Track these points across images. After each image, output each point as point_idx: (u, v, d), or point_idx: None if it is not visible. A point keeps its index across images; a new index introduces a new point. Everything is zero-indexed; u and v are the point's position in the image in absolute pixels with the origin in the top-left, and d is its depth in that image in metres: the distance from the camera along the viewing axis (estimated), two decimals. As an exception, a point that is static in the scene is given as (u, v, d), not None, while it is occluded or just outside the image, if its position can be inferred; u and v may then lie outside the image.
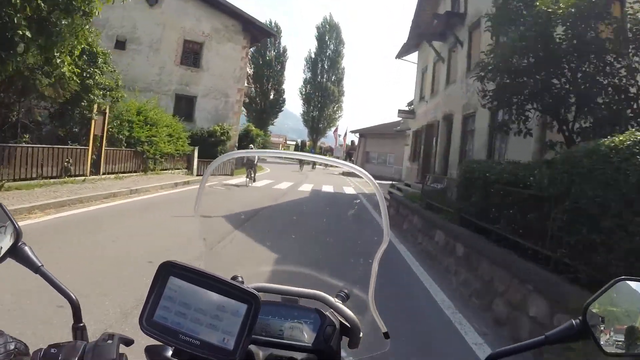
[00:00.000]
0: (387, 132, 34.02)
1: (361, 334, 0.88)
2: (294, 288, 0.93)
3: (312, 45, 63.06)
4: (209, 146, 18.31)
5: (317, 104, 52.39)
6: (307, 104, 52.79)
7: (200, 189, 0.87)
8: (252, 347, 0.77)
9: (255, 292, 0.60)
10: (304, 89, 53.06)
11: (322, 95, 51.83)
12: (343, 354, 0.86)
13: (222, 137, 18.58)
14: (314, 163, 43.37)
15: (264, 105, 50.51)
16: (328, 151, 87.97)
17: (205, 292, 0.60)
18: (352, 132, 37.24)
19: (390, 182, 22.28)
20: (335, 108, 53.28)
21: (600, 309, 0.70)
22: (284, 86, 51.53)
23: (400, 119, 36.98)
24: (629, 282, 0.71)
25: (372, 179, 0.83)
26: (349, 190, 18.60)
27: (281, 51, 51.27)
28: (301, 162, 30.81)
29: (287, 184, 17.89)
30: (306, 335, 0.82)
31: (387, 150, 34.04)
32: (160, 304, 0.60)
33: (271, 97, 51.10)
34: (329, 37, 52.66)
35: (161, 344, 0.62)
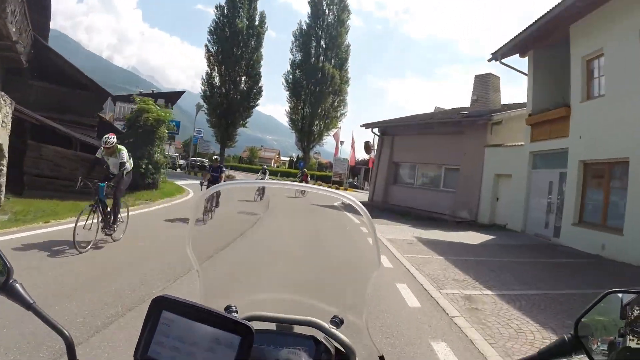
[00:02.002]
0: (443, 121, 17.26)
1: (357, 359, 0.86)
2: (289, 316, 0.94)
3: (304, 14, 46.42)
4: None
5: (309, 97, 35.94)
6: (296, 97, 36.35)
7: (191, 223, 0.89)
8: None
9: (248, 323, 0.59)
10: (290, 76, 36.75)
11: (317, 83, 35.43)
12: None
13: None
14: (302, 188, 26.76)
15: (232, 98, 34.13)
16: (328, 167, 70.66)
17: (198, 326, 0.59)
18: (367, 126, 20.30)
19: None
20: (336, 102, 36.81)
21: (591, 320, 0.72)
22: (261, 69, 35.21)
23: (473, 97, 19.87)
24: (618, 295, 0.73)
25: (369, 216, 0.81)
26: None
27: (257, 20, 35.11)
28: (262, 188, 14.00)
29: None
30: None
31: (441, 159, 17.21)
32: (154, 339, 0.60)
33: (242, 85, 34.75)
34: (328, 2, 36.65)
35: None
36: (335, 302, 1.06)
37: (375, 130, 19.74)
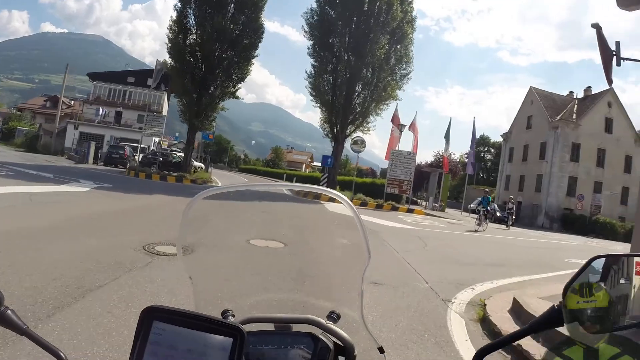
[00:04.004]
0: None
1: (356, 352, 0.88)
2: (285, 315, 0.94)
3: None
4: None
5: (347, 44, 20.90)
6: (324, 48, 21.43)
7: (181, 233, 0.88)
8: None
9: (238, 325, 0.60)
10: (315, 16, 21.84)
11: (361, 20, 20.33)
12: None
13: None
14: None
15: (212, 48, 19.92)
16: (368, 174, 57.43)
17: (190, 332, 0.60)
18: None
19: None
20: (393, 57, 21.42)
21: (578, 287, 0.70)
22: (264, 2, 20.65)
23: None
24: (603, 259, 0.73)
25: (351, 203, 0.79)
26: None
27: None
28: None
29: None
30: None
31: None
32: (146, 349, 0.60)
33: (234, 33, 20.41)
34: None
35: None
36: (330, 297, 1.17)
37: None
